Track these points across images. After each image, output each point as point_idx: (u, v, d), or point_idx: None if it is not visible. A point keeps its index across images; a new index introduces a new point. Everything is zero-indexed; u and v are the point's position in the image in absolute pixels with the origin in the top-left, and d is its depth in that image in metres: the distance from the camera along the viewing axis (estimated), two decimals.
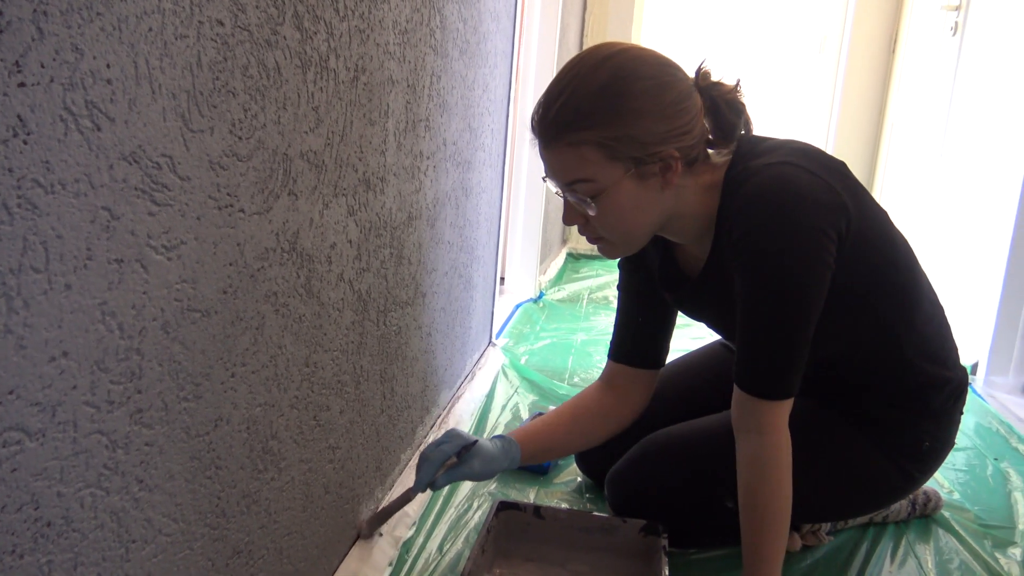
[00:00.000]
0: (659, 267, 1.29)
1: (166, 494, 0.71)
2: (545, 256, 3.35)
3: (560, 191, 1.11)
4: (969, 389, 1.61)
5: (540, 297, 3.09)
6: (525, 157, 3.00)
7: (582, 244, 4.16)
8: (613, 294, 3.30)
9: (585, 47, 4.25)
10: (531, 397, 2.02)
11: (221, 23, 0.70)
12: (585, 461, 1.58)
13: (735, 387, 1.12)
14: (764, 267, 1.05)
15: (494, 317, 2.34)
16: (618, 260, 1.35)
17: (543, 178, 1.14)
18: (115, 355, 0.61)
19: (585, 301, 3.17)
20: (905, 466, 1.29)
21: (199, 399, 0.74)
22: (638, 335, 1.36)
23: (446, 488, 1.51)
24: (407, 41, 1.21)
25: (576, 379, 2.21)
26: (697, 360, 1.61)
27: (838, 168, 1.12)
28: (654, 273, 1.31)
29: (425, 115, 1.35)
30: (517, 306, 2.90)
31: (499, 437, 1.28)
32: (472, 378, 2.03)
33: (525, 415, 1.90)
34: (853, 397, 1.29)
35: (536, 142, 1.10)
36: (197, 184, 0.69)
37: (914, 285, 1.21)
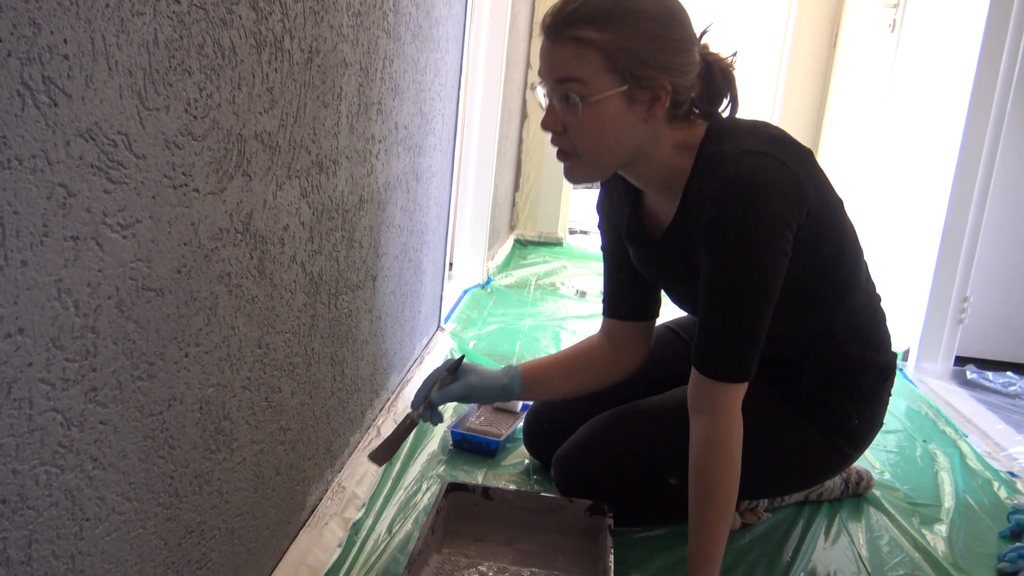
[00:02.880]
0: (627, 221, 1.33)
1: (120, 473, 0.71)
2: (493, 242, 3.37)
3: (548, 92, 1.12)
4: (899, 374, 1.68)
5: (488, 283, 3.10)
6: (475, 143, 3.01)
7: (529, 231, 4.18)
8: (560, 280, 3.33)
9: (535, 36, 4.23)
10: None
11: (178, 1, 0.69)
12: (533, 443, 1.60)
13: (693, 369, 1.15)
14: (729, 254, 1.08)
15: (443, 302, 2.35)
16: (597, 222, 1.39)
17: (532, 86, 1.16)
18: (70, 333, 0.61)
19: (532, 287, 3.20)
20: (838, 443, 1.35)
21: (153, 378, 0.74)
22: (625, 291, 1.42)
23: (396, 469, 1.52)
24: (360, 24, 1.21)
25: None
26: None
27: (805, 157, 1.16)
28: (623, 229, 1.35)
29: (377, 98, 1.35)
30: (465, 291, 2.92)
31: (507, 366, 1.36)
32: (421, 362, 2.04)
33: None
34: (789, 377, 1.34)
35: (542, 40, 1.12)
36: (152, 163, 0.69)
37: (854, 274, 1.26)
